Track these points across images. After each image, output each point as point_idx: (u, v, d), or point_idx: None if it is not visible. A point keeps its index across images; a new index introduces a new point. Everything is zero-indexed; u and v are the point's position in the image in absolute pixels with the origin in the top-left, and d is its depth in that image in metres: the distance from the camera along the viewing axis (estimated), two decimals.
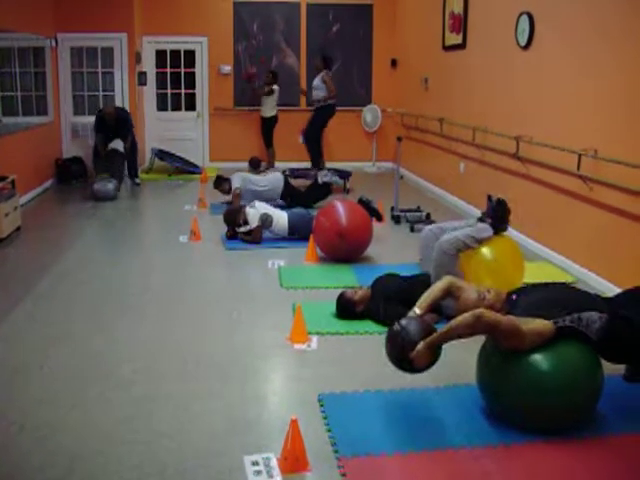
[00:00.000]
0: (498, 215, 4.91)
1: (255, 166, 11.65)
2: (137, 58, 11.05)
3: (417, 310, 3.52)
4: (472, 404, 3.60)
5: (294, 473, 2.98)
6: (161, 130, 11.85)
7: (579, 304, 3.36)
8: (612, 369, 3.69)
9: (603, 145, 5.56)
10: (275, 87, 11.42)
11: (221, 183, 8.55)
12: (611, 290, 5.12)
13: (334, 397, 3.67)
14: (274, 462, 3.05)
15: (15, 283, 5.70)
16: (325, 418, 3.45)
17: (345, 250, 6.20)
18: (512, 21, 7.14)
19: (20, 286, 5.57)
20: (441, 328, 3.33)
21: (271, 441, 3.24)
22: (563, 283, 3.82)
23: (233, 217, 6.95)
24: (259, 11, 11.78)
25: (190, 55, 11.92)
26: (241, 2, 11.71)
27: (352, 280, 5.75)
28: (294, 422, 3.02)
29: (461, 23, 8.75)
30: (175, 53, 11.89)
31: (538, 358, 3.24)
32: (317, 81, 10.53)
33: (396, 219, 7.93)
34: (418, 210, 8.32)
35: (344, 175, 9.82)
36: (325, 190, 8.70)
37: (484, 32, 8.10)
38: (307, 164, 11.03)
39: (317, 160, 10.78)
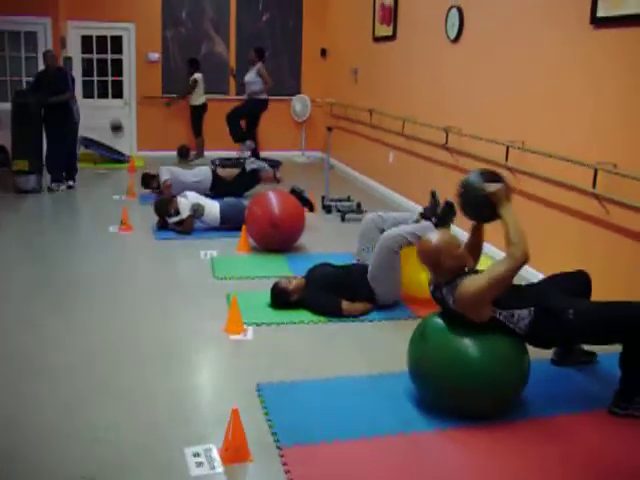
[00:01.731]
0: (445, 217, 4.96)
1: (184, 155, 11.54)
2: (62, 43, 10.76)
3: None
4: (406, 392, 3.67)
5: (236, 463, 2.99)
6: (87, 118, 11.45)
7: (513, 299, 3.44)
8: (540, 354, 3.81)
9: (530, 136, 5.73)
10: (197, 75, 11.27)
11: (149, 182, 8.43)
12: (537, 277, 5.28)
13: (272, 387, 3.69)
14: (215, 453, 3.06)
15: None
16: (264, 408, 3.46)
17: (278, 240, 6.21)
18: (442, 14, 7.26)
19: None
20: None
21: (211, 432, 3.25)
22: (557, 275, 3.91)
23: (164, 207, 6.88)
24: None
25: (117, 41, 11.66)
26: None
27: (285, 270, 5.78)
28: (235, 412, 3.02)
29: (391, 15, 8.83)
30: (102, 39, 11.62)
31: (467, 344, 3.33)
32: (252, 75, 10.44)
33: (327, 209, 7.98)
34: (348, 200, 8.39)
35: (274, 164, 9.82)
36: (253, 178, 8.68)
37: (414, 24, 8.21)
38: (236, 152, 10.98)
39: (238, 136, 10.68)
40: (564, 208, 5.33)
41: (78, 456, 3.02)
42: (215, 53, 11.93)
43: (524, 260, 3.29)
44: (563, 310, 3.39)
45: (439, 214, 4.98)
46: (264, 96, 10.55)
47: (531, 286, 3.86)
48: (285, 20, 12.10)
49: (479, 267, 3.72)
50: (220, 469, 2.95)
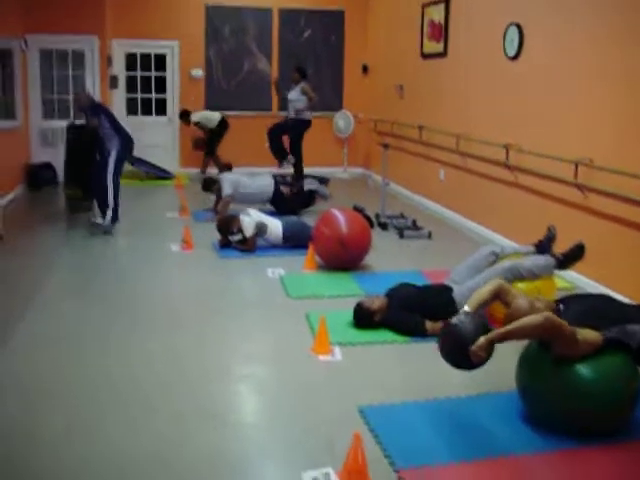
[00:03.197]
0: (573, 258, 4.88)
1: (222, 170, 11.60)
2: (108, 61, 10.88)
3: (467, 309, 3.57)
4: (511, 411, 3.67)
5: None
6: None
7: (621, 315, 3.46)
8: None
9: (596, 154, 5.70)
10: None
11: (211, 185, 8.47)
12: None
13: (375, 409, 3.68)
14: (334, 477, 3.04)
15: (10, 294, 5.54)
16: (371, 431, 3.45)
17: (346, 258, 6.21)
18: (500, 31, 7.27)
19: (18, 297, 5.42)
20: (507, 326, 3.38)
21: (323, 456, 3.23)
22: (603, 294, 3.91)
23: (227, 225, 6.90)
24: (231, 16, 11.72)
25: (161, 59, 11.77)
26: (213, 6, 11.63)
27: (356, 288, 5.78)
28: (357, 436, 3.01)
29: (442, 31, 8.85)
30: (146, 57, 11.73)
31: (580, 365, 3.33)
32: (295, 94, 10.45)
33: (383, 226, 7.98)
34: (402, 217, 8.40)
35: (322, 181, 9.84)
36: (311, 198, 8.72)
37: (468, 41, 8.22)
38: (274, 169, 10.96)
39: (279, 154, 10.74)
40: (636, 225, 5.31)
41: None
42: (257, 70, 12.01)
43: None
44: None
45: (568, 254, 4.90)
46: (308, 116, 10.57)
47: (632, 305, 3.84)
48: (327, 36, 12.17)
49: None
50: None
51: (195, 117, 11.30)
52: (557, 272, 5.07)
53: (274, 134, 10.71)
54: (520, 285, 4.83)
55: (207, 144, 11.50)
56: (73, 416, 3.58)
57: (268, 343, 4.65)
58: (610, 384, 3.33)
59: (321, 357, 4.39)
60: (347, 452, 3.03)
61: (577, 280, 5.92)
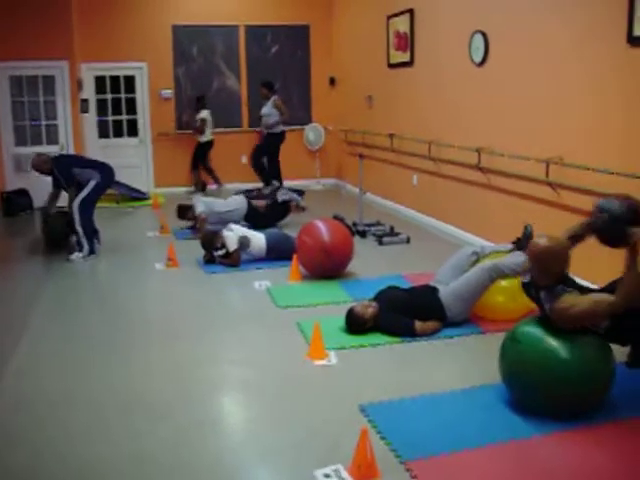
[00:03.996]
0: (526, 242, 5.09)
1: (201, 190, 11.71)
2: (79, 85, 10.94)
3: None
4: (501, 401, 3.86)
5: None
6: (104, 157, 11.48)
7: None
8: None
9: (566, 152, 5.94)
10: (204, 112, 11.52)
11: (185, 213, 8.57)
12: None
13: (375, 406, 3.82)
14: (344, 472, 3.18)
15: (3, 317, 5.61)
16: (374, 427, 3.59)
17: (330, 266, 6.36)
18: (465, 39, 7.50)
19: (11, 319, 5.50)
20: None
21: (332, 453, 3.36)
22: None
23: (210, 241, 7.02)
24: (198, 35, 11.86)
25: (130, 80, 11.86)
26: (180, 26, 11.76)
27: (343, 295, 5.93)
28: (364, 431, 3.16)
29: (407, 41, 9.08)
30: (115, 79, 11.81)
31: (558, 346, 3.54)
32: (267, 109, 10.67)
33: (362, 234, 8.14)
34: (380, 224, 8.58)
35: (299, 193, 9.99)
36: (285, 209, 8.86)
37: (433, 50, 8.45)
38: (251, 184, 11.12)
39: (267, 178, 10.92)
40: None
41: None
42: (227, 87, 12.16)
43: (621, 307, 3.45)
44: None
45: (522, 238, 5.15)
46: (280, 129, 10.77)
47: (601, 290, 4.03)
48: (293, 51, 12.37)
49: None
50: None
51: (203, 114, 11.52)
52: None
53: (257, 160, 10.91)
54: (503, 283, 5.04)
55: (195, 156, 11.71)
56: (79, 426, 3.68)
57: (263, 352, 4.78)
58: (588, 366, 3.52)
59: (317, 362, 4.52)
60: (355, 447, 3.17)
61: None
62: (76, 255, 7.46)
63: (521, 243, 5.26)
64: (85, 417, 3.83)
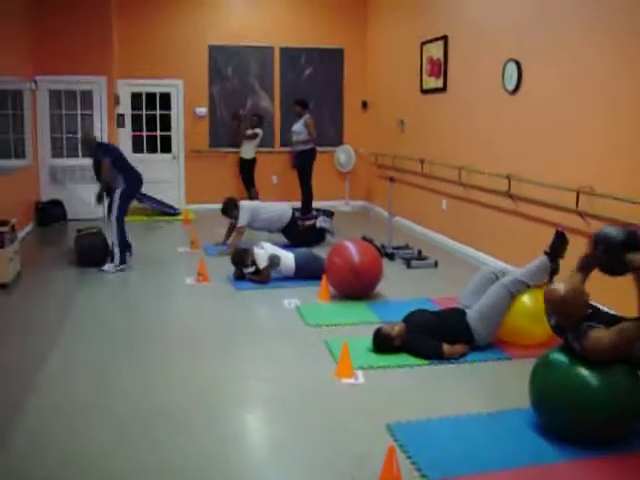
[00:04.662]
0: (556, 248, 5.18)
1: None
2: (116, 101, 11.16)
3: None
4: (529, 425, 3.89)
5: None
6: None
7: None
8: None
9: (598, 182, 5.97)
10: (259, 131, 11.73)
11: (231, 210, 8.69)
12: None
13: (402, 426, 3.88)
14: None
15: (38, 326, 5.74)
16: (401, 446, 3.64)
17: (359, 287, 6.43)
18: (498, 67, 7.58)
19: (45, 329, 5.62)
20: None
21: (358, 470, 3.42)
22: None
23: (241, 258, 7.12)
24: (234, 55, 12.06)
25: (166, 97, 12.07)
26: (216, 46, 11.97)
27: (371, 315, 6.00)
28: (392, 449, 3.22)
29: (441, 68, 9.17)
30: (151, 95, 12.03)
31: (590, 374, 3.58)
32: (299, 126, 10.85)
33: (390, 256, 8.20)
34: (408, 247, 8.64)
35: (328, 214, 10.09)
36: (321, 235, 8.95)
37: (467, 77, 8.53)
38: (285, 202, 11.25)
39: (308, 205, 11.03)
40: None
41: None
42: (260, 108, 12.31)
43: None
44: None
45: (552, 244, 5.20)
46: (310, 146, 10.89)
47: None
48: (327, 74, 12.52)
49: None
50: None
51: (259, 131, 11.79)
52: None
53: (306, 184, 11.08)
54: (528, 304, 5.06)
55: (247, 175, 11.89)
56: (106, 435, 3.77)
57: (291, 369, 4.85)
58: (617, 394, 3.56)
59: (345, 380, 4.59)
60: (382, 465, 3.22)
61: None
62: (108, 266, 7.61)
63: (553, 252, 5.24)
64: (108, 428, 3.92)
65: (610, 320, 3.79)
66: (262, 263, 7.00)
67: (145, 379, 4.63)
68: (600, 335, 3.56)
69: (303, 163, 10.97)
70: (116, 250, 7.64)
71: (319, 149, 11.57)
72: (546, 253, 5.20)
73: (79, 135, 10.97)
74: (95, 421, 3.99)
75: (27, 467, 3.46)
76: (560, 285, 3.76)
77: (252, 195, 11.79)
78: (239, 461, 3.56)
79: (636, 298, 3.60)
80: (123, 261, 7.69)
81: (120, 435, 3.82)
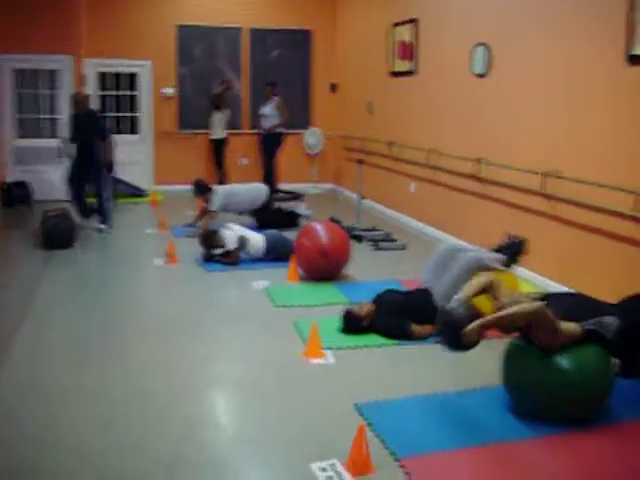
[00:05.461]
0: (515, 253, 5.29)
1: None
2: (83, 80, 11.01)
3: (460, 297, 3.84)
4: (497, 403, 3.97)
5: (361, 475, 3.21)
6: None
7: (597, 310, 3.79)
8: None
9: (564, 165, 6.06)
10: (227, 110, 11.65)
11: (203, 192, 8.65)
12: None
13: (371, 405, 3.93)
14: (340, 467, 3.28)
15: (2, 308, 5.69)
16: (370, 424, 3.68)
17: (327, 268, 6.46)
18: (468, 51, 7.62)
19: (10, 311, 5.58)
20: (499, 313, 3.69)
21: (327, 449, 3.46)
22: (579, 293, 4.22)
23: (210, 240, 7.11)
24: (202, 35, 11.94)
25: (133, 78, 11.93)
26: (184, 26, 11.84)
27: (339, 296, 6.04)
28: (362, 428, 3.26)
29: (412, 51, 9.19)
30: (118, 76, 11.87)
31: (560, 357, 3.65)
32: (268, 109, 10.80)
33: (358, 238, 8.23)
34: (376, 229, 8.69)
35: (297, 197, 10.10)
36: (294, 220, 8.89)
37: (437, 60, 8.57)
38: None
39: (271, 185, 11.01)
40: (602, 231, 5.65)
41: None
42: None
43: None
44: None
45: (512, 248, 5.29)
46: (279, 130, 10.86)
47: (614, 304, 4.15)
48: (295, 56, 12.47)
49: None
50: None
51: (226, 111, 11.68)
52: (513, 268, 5.40)
53: (269, 165, 11.00)
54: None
55: (217, 155, 11.80)
56: (79, 417, 3.77)
57: (260, 349, 4.87)
58: (588, 374, 3.64)
59: (314, 361, 4.62)
60: (352, 443, 3.27)
61: (548, 285, 6.23)
62: (104, 226, 8.40)
63: (501, 249, 5.37)
64: (80, 409, 3.92)
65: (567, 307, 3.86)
66: (231, 245, 6.99)
67: (117, 360, 4.63)
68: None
69: (270, 145, 10.93)
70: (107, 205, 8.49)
71: (287, 132, 11.56)
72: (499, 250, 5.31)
73: (43, 115, 10.85)
74: (64, 402, 3.98)
75: None
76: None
77: (222, 176, 11.73)
78: (211, 441, 3.58)
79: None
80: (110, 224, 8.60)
81: (93, 416, 3.82)
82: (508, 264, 5.27)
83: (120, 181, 11.28)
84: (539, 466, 3.34)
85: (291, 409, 3.95)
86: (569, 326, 3.66)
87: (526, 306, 3.62)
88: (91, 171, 8.62)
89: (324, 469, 3.27)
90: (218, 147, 11.73)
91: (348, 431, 3.47)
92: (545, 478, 3.25)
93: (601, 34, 5.61)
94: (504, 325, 3.75)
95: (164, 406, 3.95)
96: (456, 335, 3.67)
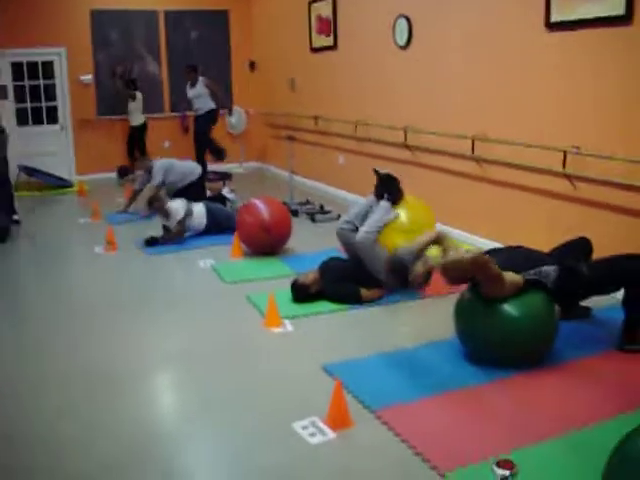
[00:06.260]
0: (392, 189, 5.57)
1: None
2: None
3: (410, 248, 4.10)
4: (454, 353, 4.24)
5: (342, 429, 3.41)
6: (23, 146, 11.40)
7: (536, 260, 4.08)
8: None
9: (490, 129, 6.37)
10: (138, 93, 11.55)
11: (127, 173, 8.63)
12: None
13: (337, 365, 4.12)
14: (320, 423, 3.46)
15: None
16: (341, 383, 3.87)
17: (270, 243, 6.62)
18: (389, 23, 7.84)
19: None
20: (444, 258, 3.94)
21: (305, 408, 3.64)
22: (520, 245, 4.50)
23: (160, 201, 7.26)
24: (118, 20, 11.79)
25: (49, 66, 11.68)
26: (99, 11, 11.65)
27: (285, 269, 6.21)
28: (338, 385, 3.45)
29: (330, 26, 9.35)
30: (33, 65, 11.60)
31: (509, 306, 3.92)
32: (199, 89, 10.70)
33: (294, 213, 8.39)
34: (309, 203, 8.87)
35: (226, 176, 10.18)
36: (223, 203, 8.92)
37: (357, 34, 8.76)
38: None
39: (217, 152, 11.03)
40: (530, 189, 5.99)
41: (208, 447, 3.38)
42: (148, 72, 12.14)
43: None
44: (578, 267, 4.04)
45: (388, 190, 5.56)
46: (209, 106, 10.82)
47: (551, 252, 4.44)
48: (213, 36, 12.46)
49: None
50: (333, 435, 3.36)
51: (139, 95, 11.60)
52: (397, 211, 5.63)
53: (203, 141, 10.95)
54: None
55: (138, 142, 11.73)
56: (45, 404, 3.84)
57: (220, 324, 4.99)
58: (533, 320, 3.93)
59: (274, 330, 4.78)
60: (330, 400, 3.45)
61: (483, 244, 6.54)
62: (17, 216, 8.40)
63: (378, 191, 5.65)
64: (37, 394, 3.98)
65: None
66: (179, 214, 7.09)
67: (69, 346, 4.66)
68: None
69: (203, 125, 10.90)
70: None
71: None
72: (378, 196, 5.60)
73: None
74: (20, 390, 4.02)
75: None
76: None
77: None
78: (190, 410, 3.70)
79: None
80: None
81: (55, 403, 3.88)
82: (395, 202, 5.54)
83: (43, 173, 11.13)
84: (497, 405, 3.62)
85: (262, 376, 4.10)
86: (511, 276, 3.92)
87: (469, 255, 3.85)
88: None
89: (305, 427, 3.45)
90: (139, 133, 11.67)
91: (321, 390, 3.69)
92: (503, 415, 3.51)
93: (522, 2, 5.89)
94: (449, 271, 3.92)
95: (128, 386, 4.03)
96: (403, 275, 3.90)
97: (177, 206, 7.13)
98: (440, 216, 6.67)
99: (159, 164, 8.60)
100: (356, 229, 5.42)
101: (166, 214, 7.16)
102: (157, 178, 8.41)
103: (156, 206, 7.24)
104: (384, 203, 5.50)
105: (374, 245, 5.27)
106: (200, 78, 10.78)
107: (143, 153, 11.66)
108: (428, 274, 3.95)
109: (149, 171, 8.54)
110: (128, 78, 11.73)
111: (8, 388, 4.04)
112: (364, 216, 5.50)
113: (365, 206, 5.62)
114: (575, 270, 4.09)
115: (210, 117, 10.85)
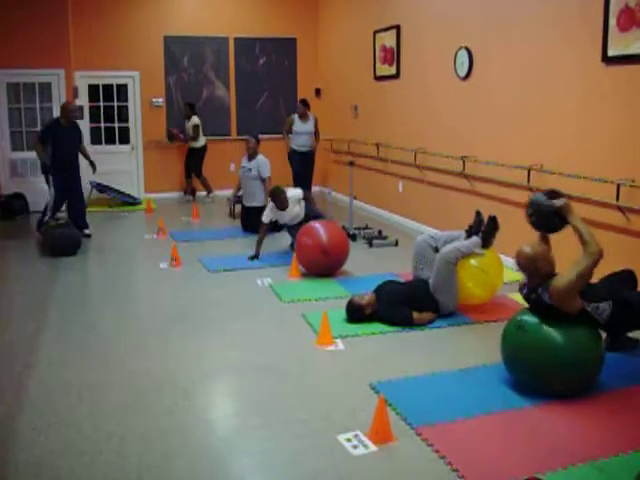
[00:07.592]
0: (488, 231, 5.69)
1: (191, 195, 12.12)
2: (75, 93, 11.29)
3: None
4: (495, 379, 4.36)
5: (384, 444, 3.57)
6: (96, 163, 11.89)
7: (594, 295, 4.15)
8: None
9: (546, 160, 6.47)
10: (195, 119, 11.93)
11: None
12: None
13: (385, 384, 4.29)
14: (363, 437, 3.63)
15: (20, 316, 5.98)
16: (385, 400, 4.03)
17: (328, 265, 6.82)
18: (450, 54, 8.02)
19: (32, 317, 5.86)
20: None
21: (351, 422, 3.81)
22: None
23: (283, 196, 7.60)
24: (189, 45, 12.29)
25: (123, 89, 12.23)
26: (171, 37, 12.16)
27: (341, 290, 6.40)
28: (382, 400, 3.62)
29: (393, 55, 9.59)
30: (108, 87, 12.17)
31: (557, 334, 4.01)
32: (310, 126, 10.84)
33: (352, 237, 8.60)
34: (368, 228, 9.06)
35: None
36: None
37: (418, 64, 8.97)
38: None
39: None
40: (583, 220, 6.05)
41: (258, 449, 3.59)
42: (216, 97, 12.57)
43: (600, 254, 3.97)
44: (634, 300, 4.13)
45: (484, 229, 5.67)
46: (314, 144, 11.10)
47: (598, 284, 4.52)
48: (280, 63, 12.86)
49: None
50: (374, 448, 3.53)
51: (195, 120, 11.90)
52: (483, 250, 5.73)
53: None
54: (473, 264, 5.60)
55: (195, 165, 12.09)
56: (108, 404, 4.10)
57: (276, 340, 5.21)
58: (580, 352, 4.01)
59: (326, 348, 4.98)
60: (373, 415, 3.62)
61: None
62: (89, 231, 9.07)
63: (472, 229, 5.79)
64: (106, 397, 4.24)
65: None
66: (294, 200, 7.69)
67: (139, 356, 4.94)
68: (560, 277, 4.02)
69: (310, 161, 11.12)
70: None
71: (276, 136, 11.96)
72: (470, 233, 5.74)
73: (39, 128, 11.07)
74: (91, 396, 4.29)
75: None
76: (528, 246, 4.20)
77: (203, 182, 12.04)
78: (239, 421, 3.92)
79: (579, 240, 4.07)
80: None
81: (119, 403, 4.14)
82: (485, 244, 5.66)
83: (113, 190, 11.61)
84: (539, 428, 3.72)
85: (312, 390, 4.29)
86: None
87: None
88: (73, 181, 9.10)
89: (349, 439, 3.62)
90: (196, 155, 12.04)
91: (367, 406, 3.88)
92: (544, 438, 3.62)
93: (579, 35, 6.01)
94: (584, 234, 4.03)
95: (192, 393, 4.28)
96: (546, 215, 4.15)
97: (293, 193, 7.75)
98: (497, 246, 6.78)
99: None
100: (435, 249, 5.67)
101: (286, 205, 7.58)
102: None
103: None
104: (476, 238, 5.66)
105: (453, 266, 5.44)
106: (310, 115, 10.88)
107: (199, 175, 12.04)
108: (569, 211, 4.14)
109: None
110: (185, 103, 12.14)
111: (74, 390, 4.33)
112: (446, 241, 5.70)
113: (452, 235, 5.84)
114: (630, 304, 4.17)
115: (313, 156, 11.12)
